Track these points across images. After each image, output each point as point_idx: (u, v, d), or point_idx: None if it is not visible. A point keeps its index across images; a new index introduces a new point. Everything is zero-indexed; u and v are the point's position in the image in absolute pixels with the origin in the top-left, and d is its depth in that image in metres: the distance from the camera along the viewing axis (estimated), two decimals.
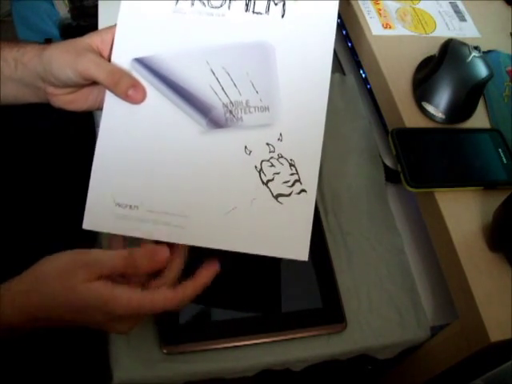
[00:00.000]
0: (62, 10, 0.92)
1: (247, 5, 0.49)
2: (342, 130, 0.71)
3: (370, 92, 0.72)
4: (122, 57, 0.48)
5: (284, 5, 0.49)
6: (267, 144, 0.48)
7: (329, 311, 0.57)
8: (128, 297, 0.43)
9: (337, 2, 0.50)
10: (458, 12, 0.75)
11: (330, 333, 0.56)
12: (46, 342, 0.55)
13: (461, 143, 0.61)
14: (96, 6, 0.73)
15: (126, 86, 0.47)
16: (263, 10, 0.49)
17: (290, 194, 0.48)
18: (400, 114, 0.63)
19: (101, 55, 0.49)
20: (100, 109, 0.51)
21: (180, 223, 0.47)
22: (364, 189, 0.67)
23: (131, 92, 0.47)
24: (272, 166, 0.48)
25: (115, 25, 0.49)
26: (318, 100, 0.48)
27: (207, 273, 0.46)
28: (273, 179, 0.48)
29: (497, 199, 0.54)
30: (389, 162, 0.68)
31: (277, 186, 0.48)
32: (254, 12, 0.49)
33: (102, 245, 0.56)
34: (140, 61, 0.48)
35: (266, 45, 0.49)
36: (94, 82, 0.49)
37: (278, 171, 0.48)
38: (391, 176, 0.68)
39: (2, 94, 0.52)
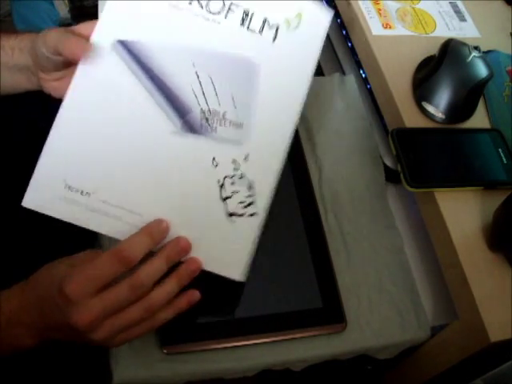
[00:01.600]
0: (62, 10, 0.92)
1: (243, 19, 0.49)
2: (342, 130, 0.71)
3: (370, 92, 0.72)
4: (104, 36, 0.47)
5: (277, 30, 0.49)
6: (233, 161, 0.48)
7: (329, 311, 0.57)
8: (85, 275, 0.42)
9: (322, 37, 0.50)
10: (458, 12, 0.75)
11: (330, 333, 0.56)
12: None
13: (461, 143, 0.61)
14: (96, 6, 0.73)
15: (76, 45, 0.46)
16: (257, 29, 0.49)
17: (242, 215, 0.48)
18: (400, 114, 0.63)
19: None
20: None
21: (133, 221, 0.46)
22: (364, 189, 0.67)
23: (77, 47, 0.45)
24: (233, 183, 0.48)
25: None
26: (282, 128, 0.49)
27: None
28: (231, 197, 0.48)
29: (497, 199, 0.54)
30: (389, 162, 0.68)
31: (232, 205, 0.48)
32: (248, 28, 0.49)
33: (102, 244, 0.56)
34: (124, 43, 0.47)
35: (253, 63, 0.49)
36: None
37: (237, 190, 0.48)
38: (391, 176, 0.68)
39: (1, 83, 0.52)
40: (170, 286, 0.45)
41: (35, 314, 0.44)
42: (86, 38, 0.47)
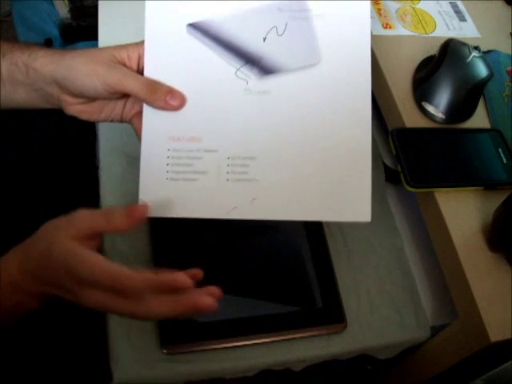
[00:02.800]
0: (62, 9, 0.92)
1: None
2: None
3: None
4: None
5: None
6: None
7: (329, 311, 0.57)
8: (95, 260, 0.41)
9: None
10: (458, 12, 0.75)
11: (330, 333, 0.56)
12: (47, 341, 0.55)
13: (461, 143, 0.61)
14: (96, 6, 0.73)
15: (164, 93, 0.47)
16: None
17: None
18: (400, 114, 0.63)
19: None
20: (112, 121, 0.51)
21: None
22: None
23: (169, 98, 0.47)
24: None
25: (142, 41, 0.48)
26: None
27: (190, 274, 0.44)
28: None
29: (497, 199, 0.54)
30: (389, 162, 0.68)
31: None
32: None
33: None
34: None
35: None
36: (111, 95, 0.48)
37: None
38: (391, 176, 0.68)
39: (13, 99, 0.51)
40: None
41: (35, 280, 0.43)
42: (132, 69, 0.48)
